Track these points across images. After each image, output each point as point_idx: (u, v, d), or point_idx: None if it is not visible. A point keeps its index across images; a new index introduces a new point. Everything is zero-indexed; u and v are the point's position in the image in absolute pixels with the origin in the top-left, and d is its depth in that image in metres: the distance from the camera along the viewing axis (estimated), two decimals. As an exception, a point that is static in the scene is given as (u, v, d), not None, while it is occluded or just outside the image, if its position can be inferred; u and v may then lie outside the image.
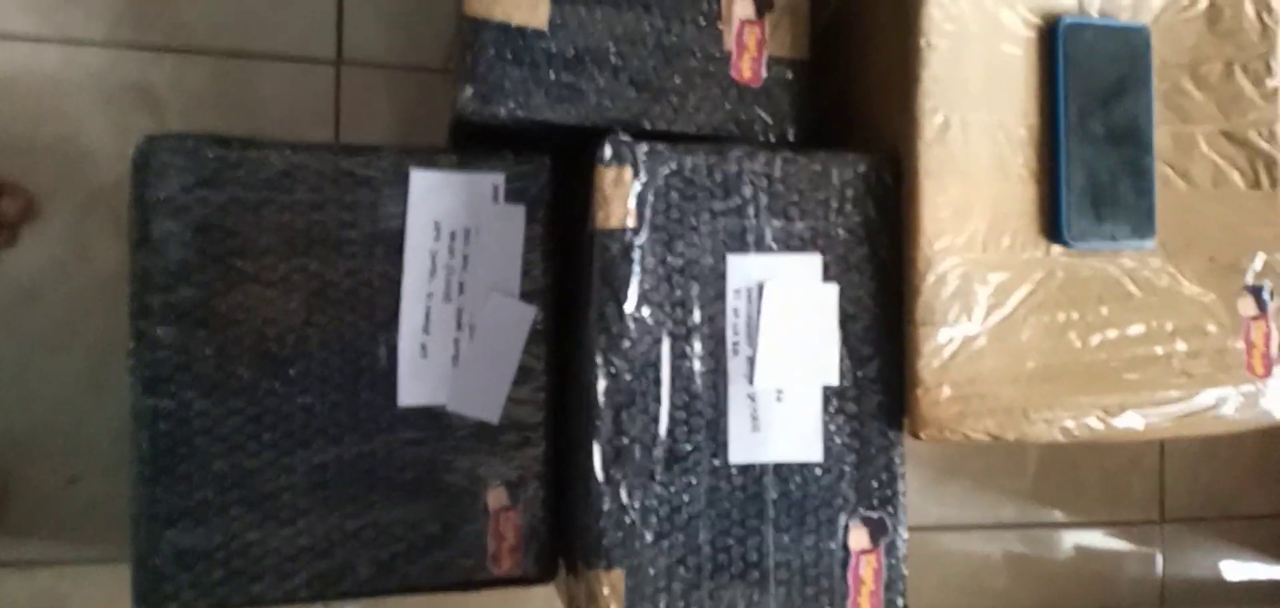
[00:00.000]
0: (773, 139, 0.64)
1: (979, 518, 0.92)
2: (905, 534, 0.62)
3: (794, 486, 0.60)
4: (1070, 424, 0.62)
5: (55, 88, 0.76)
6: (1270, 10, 0.66)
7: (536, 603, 0.82)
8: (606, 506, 0.57)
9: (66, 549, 0.76)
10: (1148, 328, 0.64)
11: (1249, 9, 0.66)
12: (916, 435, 0.60)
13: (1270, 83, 0.65)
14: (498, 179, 0.62)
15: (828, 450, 0.61)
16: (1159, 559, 0.96)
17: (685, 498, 0.59)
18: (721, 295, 0.59)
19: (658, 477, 0.58)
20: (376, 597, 0.61)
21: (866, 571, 0.61)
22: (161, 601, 0.57)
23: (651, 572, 0.58)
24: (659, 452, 0.58)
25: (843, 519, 0.61)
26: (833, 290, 0.61)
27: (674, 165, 0.59)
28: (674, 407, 0.58)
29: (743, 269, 0.60)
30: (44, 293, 0.76)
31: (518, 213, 0.62)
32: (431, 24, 0.82)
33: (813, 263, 0.61)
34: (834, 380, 0.61)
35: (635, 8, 0.62)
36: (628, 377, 0.58)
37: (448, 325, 0.61)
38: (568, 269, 0.64)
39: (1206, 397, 0.64)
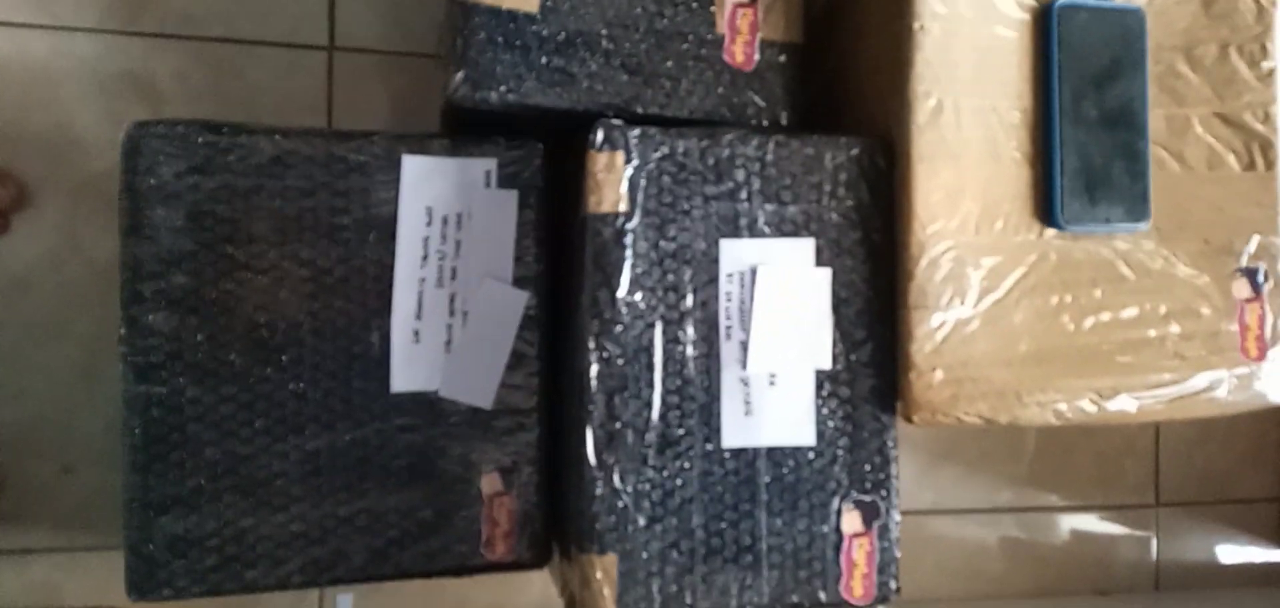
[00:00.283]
0: (766, 123, 0.64)
1: (974, 502, 0.92)
2: (898, 517, 0.62)
3: (787, 469, 0.60)
4: (1063, 407, 0.62)
5: (46, 75, 0.76)
6: (1265, -9, 0.65)
7: (534, 588, 0.82)
8: (599, 490, 0.57)
9: (61, 538, 0.76)
10: (1141, 311, 0.63)
11: (1245, -10, 0.65)
12: (909, 419, 0.60)
13: (1265, 64, 0.65)
14: (490, 164, 0.62)
15: (820, 434, 0.61)
16: (1154, 542, 0.96)
17: (678, 483, 0.59)
18: (714, 280, 0.59)
19: (650, 461, 0.58)
20: (370, 583, 0.61)
21: (859, 554, 0.61)
22: (155, 588, 0.57)
23: (644, 556, 0.58)
24: (651, 437, 0.58)
25: (835, 503, 0.61)
26: (825, 275, 0.61)
27: (666, 150, 0.59)
28: (666, 391, 0.58)
29: (735, 254, 0.60)
30: (36, 282, 0.76)
31: (510, 198, 0.62)
32: (424, 9, 0.82)
33: (805, 247, 0.61)
34: (827, 364, 0.61)
35: (627, -9, 0.61)
36: (620, 362, 0.58)
37: (440, 311, 0.61)
38: (561, 254, 0.64)
39: (1200, 379, 0.64)
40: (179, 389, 0.57)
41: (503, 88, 0.59)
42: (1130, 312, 0.63)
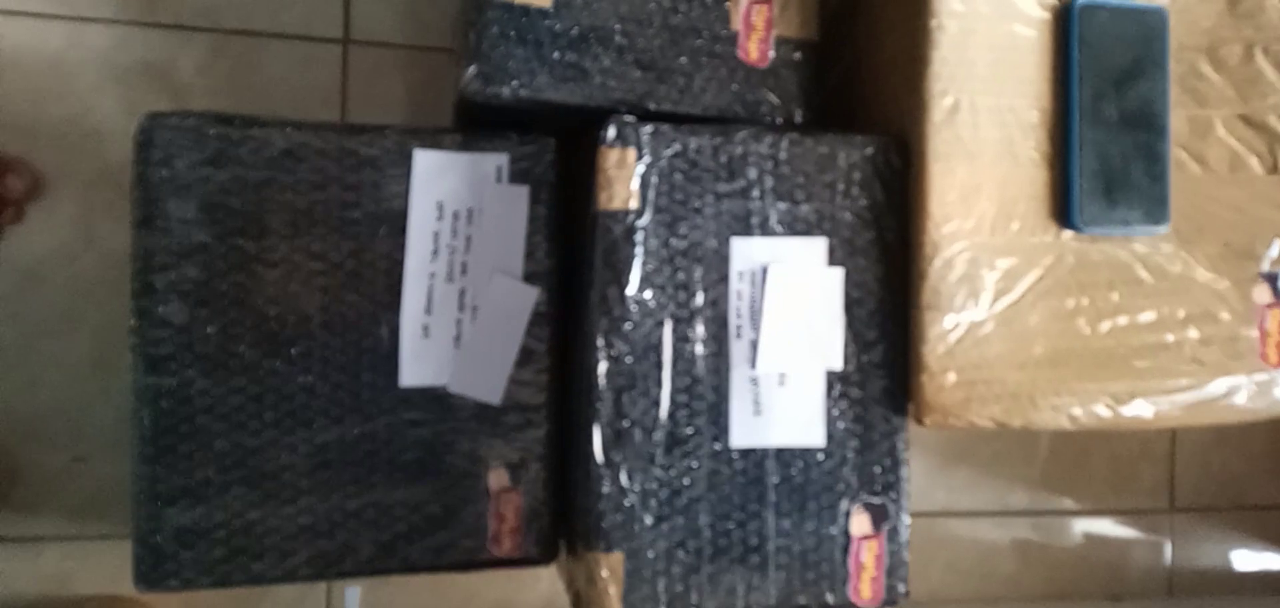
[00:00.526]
0: (780, 121, 0.64)
1: (987, 504, 0.91)
2: (908, 520, 0.62)
3: (795, 470, 0.60)
4: (1078, 412, 0.61)
5: (62, 65, 0.76)
6: (1292, -9, 0.64)
7: (542, 583, 0.82)
8: (606, 488, 0.57)
9: (72, 527, 0.76)
10: (1159, 315, 0.62)
11: (1271, -10, 0.64)
12: (921, 421, 0.60)
13: (1290, 65, 0.64)
14: (501, 160, 0.62)
15: (830, 435, 0.60)
16: (1168, 548, 0.95)
17: (686, 482, 0.58)
18: (725, 278, 0.59)
19: (658, 460, 0.58)
20: (377, 577, 0.61)
21: (868, 556, 0.61)
22: (162, 578, 0.57)
23: (651, 555, 0.58)
24: (659, 435, 0.58)
25: (844, 505, 0.60)
26: (838, 274, 0.60)
27: (678, 147, 0.58)
28: (675, 390, 0.58)
29: (747, 252, 0.59)
30: (50, 272, 0.76)
31: (521, 194, 0.62)
32: (439, 3, 0.81)
33: (818, 246, 0.60)
34: (838, 365, 0.60)
35: (640, -14, 0.61)
36: (629, 359, 0.57)
37: (450, 306, 0.61)
38: (572, 251, 0.63)
39: (1218, 385, 0.63)
40: (189, 381, 0.58)
41: (515, 83, 0.59)
42: (1148, 315, 0.62)
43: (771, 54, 0.63)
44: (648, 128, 0.58)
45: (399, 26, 0.81)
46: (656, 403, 0.58)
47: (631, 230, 0.57)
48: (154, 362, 0.57)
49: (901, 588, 0.61)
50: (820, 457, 0.60)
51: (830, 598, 0.60)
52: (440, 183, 0.60)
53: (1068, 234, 0.61)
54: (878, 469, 0.61)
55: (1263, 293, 0.64)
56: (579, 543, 0.59)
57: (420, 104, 0.80)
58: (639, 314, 0.57)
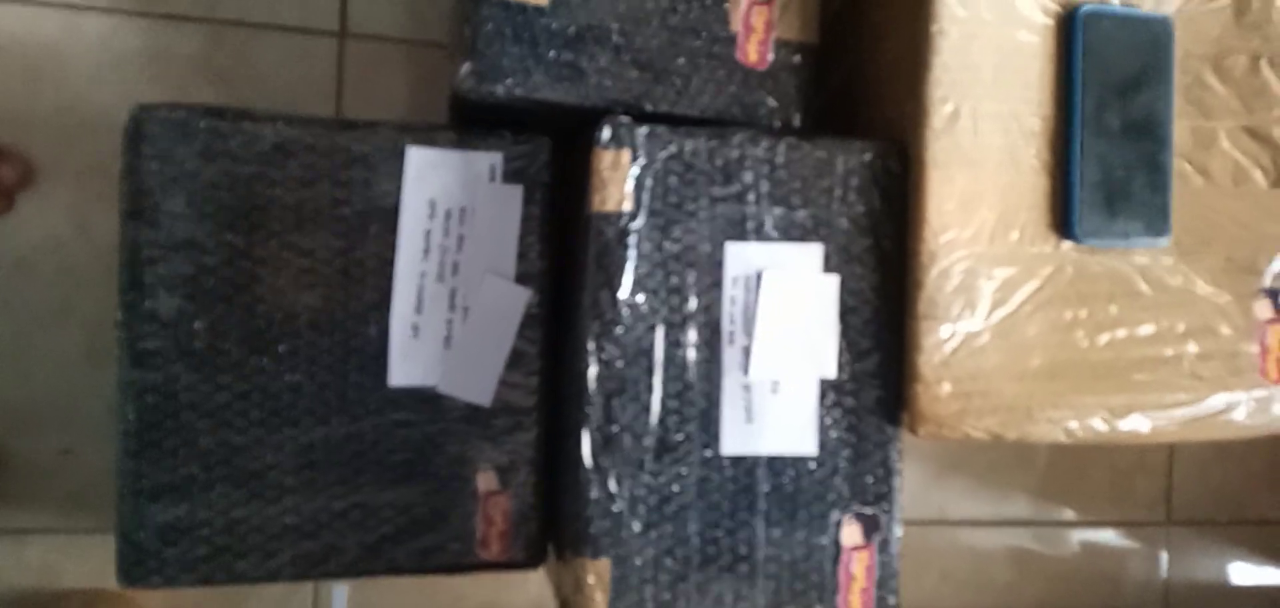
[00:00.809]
0: (778, 124, 0.63)
1: (982, 513, 0.90)
2: (899, 532, 0.61)
3: (787, 479, 0.59)
4: (1074, 425, 0.60)
5: (56, 54, 0.76)
6: (1300, 2, 0.63)
7: (532, 585, 0.81)
8: (594, 494, 0.56)
9: (60, 519, 0.76)
10: (1158, 328, 0.62)
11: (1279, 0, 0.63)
12: (915, 432, 0.59)
13: (1296, 78, 0.63)
14: (495, 159, 0.61)
15: (822, 444, 0.59)
16: (1164, 562, 0.94)
17: (675, 489, 0.58)
18: (718, 284, 0.58)
19: (647, 466, 0.57)
20: (363, 578, 0.60)
21: (858, 567, 0.60)
22: (145, 575, 0.57)
23: (638, 562, 0.57)
24: (649, 441, 0.57)
25: (835, 515, 0.60)
26: (833, 281, 0.60)
27: (674, 149, 0.58)
28: (666, 396, 0.57)
29: (741, 257, 0.58)
30: (41, 262, 0.76)
31: (515, 193, 0.61)
32: (436, -3, 0.81)
33: (813, 253, 0.59)
34: (832, 373, 0.59)
35: (638, -15, 0.60)
36: (620, 364, 0.56)
37: (441, 306, 0.60)
38: (565, 252, 0.62)
39: (1216, 401, 0.62)
40: (174, 377, 0.57)
41: (510, 81, 0.58)
42: (1147, 329, 0.62)
43: (771, 56, 0.62)
44: (643, 129, 0.57)
45: (396, 20, 0.80)
46: (647, 409, 0.57)
47: (625, 233, 0.57)
48: (140, 356, 0.57)
49: (891, 601, 0.61)
50: (812, 466, 0.59)
51: (820, 609, 0.59)
52: (433, 181, 0.60)
53: (1067, 245, 0.60)
54: (870, 480, 0.60)
55: (1264, 308, 0.63)
56: (566, 549, 0.58)
57: (417, 99, 0.80)
58: (631, 318, 0.57)
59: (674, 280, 0.57)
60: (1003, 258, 0.59)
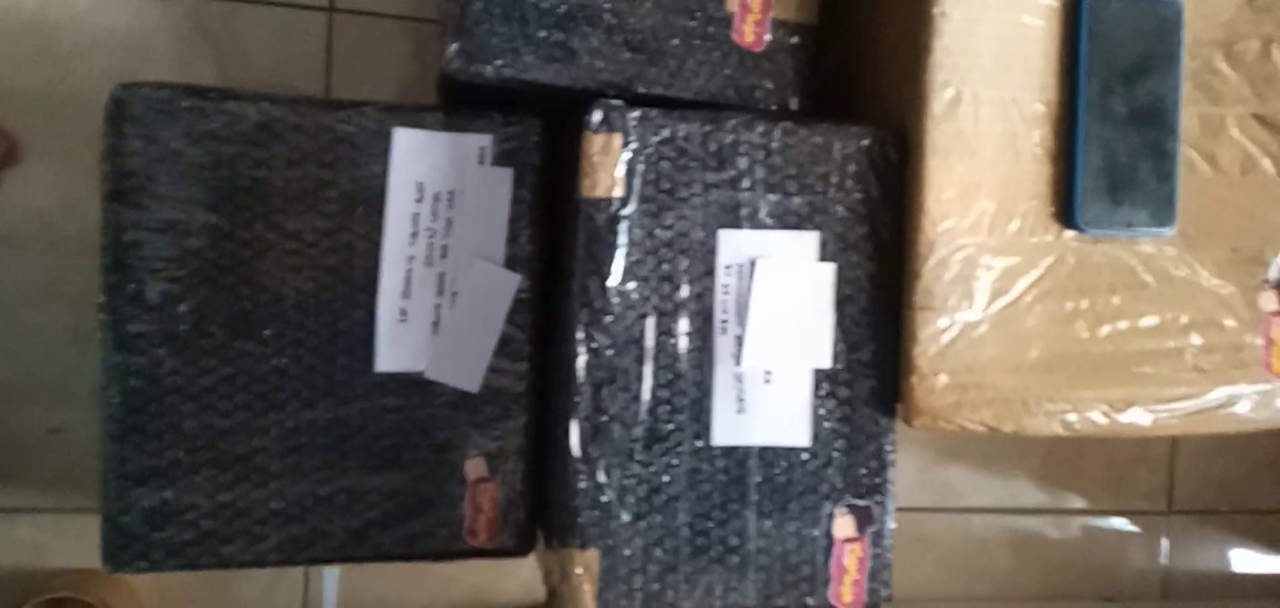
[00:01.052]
0: (774, 107, 0.61)
1: (980, 501, 0.89)
2: (893, 524, 0.60)
3: (779, 470, 0.58)
4: (1072, 418, 0.59)
5: (41, 28, 0.74)
6: (1314, -14, 0.61)
7: (524, 569, 0.81)
8: (582, 484, 0.55)
9: (48, 499, 0.76)
10: (1161, 320, 0.60)
11: (1293, -18, 0.61)
12: (910, 423, 0.58)
13: (1309, 64, 0.61)
14: (485, 141, 0.60)
15: (816, 436, 0.59)
16: (1163, 550, 0.93)
17: (665, 479, 0.57)
18: (711, 271, 0.57)
19: (637, 456, 0.56)
20: (349, 563, 0.60)
21: (850, 559, 0.59)
22: (131, 560, 0.57)
23: (627, 552, 0.56)
24: (639, 431, 0.56)
25: (828, 507, 0.59)
26: (829, 270, 0.58)
27: (666, 133, 0.56)
28: (657, 385, 0.56)
29: (735, 245, 0.57)
30: (28, 240, 0.75)
31: (505, 176, 0.60)
32: (428, -29, 0.79)
33: (809, 240, 0.58)
34: (826, 363, 0.58)
35: (632, -37, 0.58)
36: (609, 353, 0.55)
37: (429, 291, 0.59)
38: (556, 236, 0.61)
39: (1218, 394, 0.61)
40: (158, 360, 0.56)
41: (499, 62, 0.57)
42: (1149, 320, 0.60)
43: (767, 38, 0.60)
44: (635, 113, 0.56)
45: (388, -5, 0.79)
46: (637, 398, 0.56)
47: (615, 219, 0.55)
48: (123, 340, 0.56)
49: (884, 592, 0.60)
50: (805, 457, 0.59)
51: (810, 601, 0.59)
52: (421, 163, 0.58)
53: (1069, 234, 0.59)
54: (864, 471, 0.59)
55: (1269, 301, 0.62)
56: (555, 538, 0.58)
57: (409, 76, 0.78)
58: (621, 306, 0.56)
59: (665, 268, 0.56)
60: (1003, 247, 0.58)
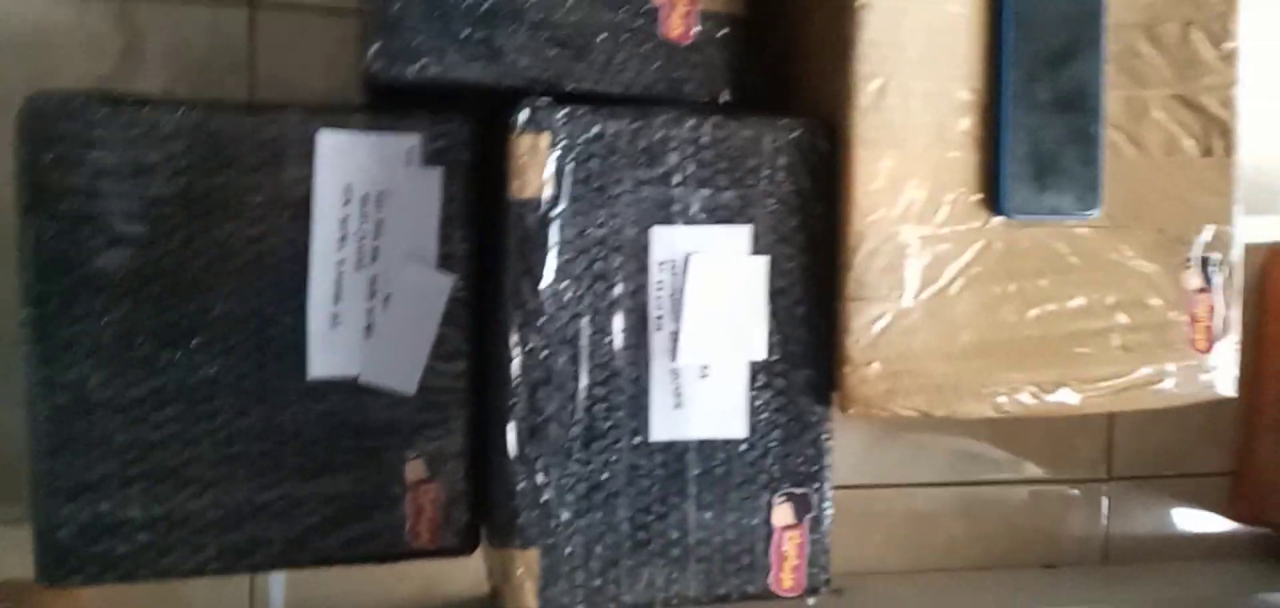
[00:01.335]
0: (705, 100, 0.61)
1: (923, 475, 0.91)
2: (831, 510, 0.61)
3: (717, 462, 0.59)
4: (1003, 400, 0.60)
5: (-47, 28, 0.72)
6: (1233, -33, 0.62)
7: (473, 562, 0.81)
8: (521, 484, 0.56)
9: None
10: (1088, 301, 0.62)
11: (1212, -36, 0.62)
12: (845, 412, 0.59)
13: (1227, 45, 0.62)
14: (413, 141, 0.59)
15: (753, 427, 0.59)
16: (1103, 516, 0.96)
17: (604, 476, 0.57)
18: (644, 268, 0.57)
19: (575, 455, 0.57)
20: (291, 569, 0.60)
21: (790, 546, 0.60)
22: (66, 575, 0.56)
23: (568, 550, 0.57)
24: (577, 430, 0.56)
25: (766, 496, 0.60)
26: (762, 263, 0.59)
27: (595, 130, 0.56)
28: (593, 384, 0.57)
29: (667, 241, 0.57)
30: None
31: (434, 176, 0.59)
32: (357, -38, 0.77)
33: (741, 234, 0.58)
34: (761, 355, 0.59)
35: (557, -43, 0.58)
36: (544, 353, 0.56)
37: (360, 294, 0.58)
38: (491, 235, 0.61)
39: (1145, 371, 0.62)
40: (84, 375, 0.55)
41: (423, 61, 0.56)
42: (1077, 302, 0.62)
43: (696, 29, 0.60)
44: (562, 111, 0.55)
45: (312, -13, 0.77)
46: (573, 397, 0.56)
47: (546, 220, 0.55)
48: (46, 354, 0.55)
49: (823, 576, 0.61)
50: (742, 448, 0.59)
51: (751, 589, 0.60)
52: (347, 165, 0.58)
53: (997, 220, 0.60)
54: (801, 460, 0.60)
55: (1193, 278, 0.63)
56: (496, 538, 0.58)
57: (336, 72, 0.76)
58: (554, 307, 0.56)
59: (598, 267, 0.56)
60: (932, 236, 0.59)
